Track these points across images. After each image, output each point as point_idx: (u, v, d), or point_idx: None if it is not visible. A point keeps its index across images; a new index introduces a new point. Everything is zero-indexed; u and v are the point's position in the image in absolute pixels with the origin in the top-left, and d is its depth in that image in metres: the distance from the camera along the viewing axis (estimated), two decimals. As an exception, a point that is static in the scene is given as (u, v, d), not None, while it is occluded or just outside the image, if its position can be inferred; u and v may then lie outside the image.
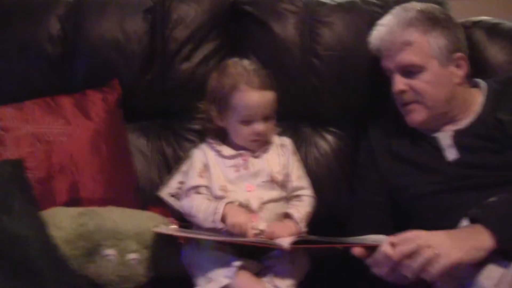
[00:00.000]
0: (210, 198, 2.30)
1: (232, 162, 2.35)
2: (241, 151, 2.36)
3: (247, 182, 2.32)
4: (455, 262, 1.84)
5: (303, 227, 2.26)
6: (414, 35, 2.33)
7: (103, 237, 2.17)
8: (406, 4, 2.48)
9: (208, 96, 2.40)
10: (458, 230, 1.98)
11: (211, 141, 2.41)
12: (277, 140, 2.45)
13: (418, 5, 2.43)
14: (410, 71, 2.33)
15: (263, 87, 2.30)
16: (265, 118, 2.32)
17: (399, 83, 2.35)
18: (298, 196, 2.37)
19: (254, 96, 2.29)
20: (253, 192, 2.30)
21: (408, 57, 2.33)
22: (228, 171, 2.34)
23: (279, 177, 2.35)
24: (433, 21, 2.35)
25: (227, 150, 2.37)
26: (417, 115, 2.35)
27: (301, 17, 2.72)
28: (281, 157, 2.40)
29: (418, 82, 2.32)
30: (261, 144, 2.37)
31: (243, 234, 2.11)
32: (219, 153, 2.38)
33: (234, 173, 2.33)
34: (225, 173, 2.34)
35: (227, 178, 2.33)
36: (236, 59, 2.43)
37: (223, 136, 2.42)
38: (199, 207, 2.26)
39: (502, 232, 1.89)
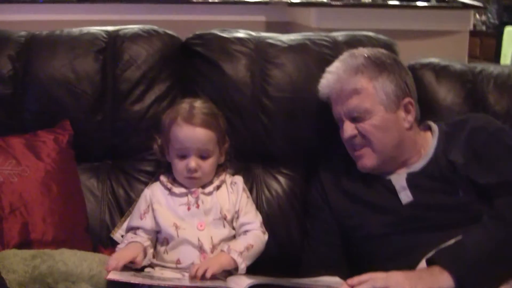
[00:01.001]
0: (144, 240, 2.33)
1: (183, 200, 2.37)
2: (191, 189, 2.38)
3: (199, 220, 2.33)
4: None
5: (238, 259, 2.24)
6: (361, 82, 2.36)
7: (56, 280, 2.13)
8: (354, 50, 2.52)
9: (160, 130, 2.45)
10: (416, 271, 2.01)
11: (162, 179, 2.43)
12: (228, 178, 2.47)
13: (366, 51, 2.47)
14: (358, 116, 2.35)
15: (199, 124, 2.34)
16: (200, 156, 2.35)
17: (348, 129, 2.36)
18: (245, 232, 2.38)
19: (187, 131, 2.34)
20: (204, 231, 2.31)
21: (356, 104, 2.35)
22: (179, 209, 2.36)
23: (229, 215, 2.37)
24: (380, 67, 2.39)
25: (178, 188, 2.39)
26: (366, 160, 2.37)
27: (252, 58, 2.73)
28: (231, 195, 2.42)
29: (365, 126, 2.34)
30: (197, 183, 2.39)
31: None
32: (169, 191, 2.39)
33: (185, 211, 2.35)
34: (176, 211, 2.35)
35: (178, 216, 2.34)
36: (191, 99, 2.47)
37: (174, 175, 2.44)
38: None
39: (460, 272, 1.92)
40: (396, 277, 1.95)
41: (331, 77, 2.44)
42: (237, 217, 2.39)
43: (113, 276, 2.10)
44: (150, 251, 2.31)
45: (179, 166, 2.36)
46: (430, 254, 2.04)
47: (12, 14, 5.68)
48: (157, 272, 2.28)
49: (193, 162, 2.33)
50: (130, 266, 2.22)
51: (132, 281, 2.09)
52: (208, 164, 2.37)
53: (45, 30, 2.79)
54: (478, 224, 2.13)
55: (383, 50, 2.53)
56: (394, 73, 2.39)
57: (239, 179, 2.50)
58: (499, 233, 2.05)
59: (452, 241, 2.08)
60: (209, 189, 2.40)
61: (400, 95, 2.37)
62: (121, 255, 2.22)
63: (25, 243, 2.33)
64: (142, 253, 2.27)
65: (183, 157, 2.35)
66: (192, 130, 2.33)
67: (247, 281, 2.06)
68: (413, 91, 2.46)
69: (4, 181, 2.38)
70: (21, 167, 2.43)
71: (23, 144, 2.49)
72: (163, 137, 2.44)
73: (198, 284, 2.10)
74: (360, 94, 2.35)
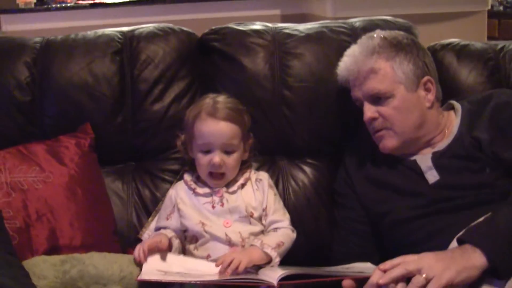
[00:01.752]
0: (168, 232, 2.33)
1: (207, 199, 2.36)
2: (215, 188, 2.37)
3: (224, 218, 2.33)
4: (447, 283, 1.84)
5: (272, 254, 2.22)
6: (378, 63, 2.35)
7: (87, 283, 2.14)
8: (371, 32, 2.50)
9: (183, 127, 2.44)
10: (448, 251, 1.97)
11: (186, 178, 2.43)
12: (253, 175, 2.46)
13: (382, 33, 2.46)
14: (378, 98, 2.34)
15: (222, 117, 2.33)
16: (225, 151, 2.34)
17: (368, 111, 2.35)
18: (275, 229, 2.36)
19: (211, 125, 2.32)
20: (231, 228, 2.30)
21: (374, 85, 2.34)
22: (203, 208, 2.35)
23: (256, 213, 2.35)
24: (397, 47, 2.37)
25: (201, 189, 2.39)
26: (388, 142, 2.36)
27: (270, 50, 2.72)
28: (256, 192, 2.41)
29: (386, 109, 2.33)
30: (222, 182, 2.38)
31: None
32: (194, 191, 2.38)
33: (210, 209, 2.34)
34: (200, 210, 2.34)
35: (203, 215, 2.33)
36: (215, 94, 2.46)
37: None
38: None
39: (491, 249, 1.89)
40: (428, 259, 1.92)
41: (348, 60, 2.44)
42: (265, 215, 2.38)
43: (144, 276, 2.10)
44: (176, 241, 2.30)
45: (203, 161, 2.35)
46: (460, 234, 2.00)
47: (26, 24, 5.71)
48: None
49: (217, 157, 2.32)
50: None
51: (163, 280, 2.08)
52: (232, 159, 2.36)
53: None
54: (507, 200, 2.10)
55: (400, 32, 2.51)
56: (412, 53, 2.38)
57: (264, 176, 2.48)
58: None
59: (481, 219, 2.04)
60: (233, 188, 2.39)
61: (419, 74, 2.36)
62: (145, 243, 2.23)
63: (54, 249, 2.33)
64: (166, 238, 2.27)
65: (207, 152, 2.34)
66: (216, 124, 2.32)
67: (280, 272, 2.04)
68: (433, 71, 2.44)
69: (29, 188, 2.38)
70: (45, 173, 2.43)
71: (45, 150, 2.49)
72: (187, 133, 2.43)
73: (230, 277, 2.08)
74: (378, 74, 2.34)
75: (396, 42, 2.39)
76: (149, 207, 2.62)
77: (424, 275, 1.86)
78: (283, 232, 2.35)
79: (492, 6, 7.52)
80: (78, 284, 2.13)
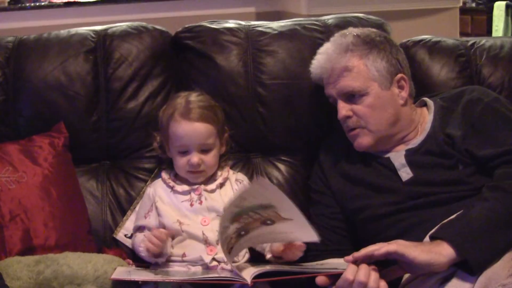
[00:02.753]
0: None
1: (185, 197, 2.36)
2: (193, 186, 2.37)
3: (202, 216, 2.33)
4: (411, 256, 1.89)
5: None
6: (351, 60, 2.36)
7: (61, 284, 2.13)
8: (344, 30, 2.51)
9: (159, 127, 2.45)
10: (419, 242, 2.00)
11: (164, 176, 2.43)
12: (232, 175, 2.47)
13: (355, 30, 2.47)
14: (352, 96, 2.35)
15: (196, 118, 2.33)
16: (202, 150, 2.34)
17: (343, 109, 2.36)
18: None
19: (185, 126, 2.33)
20: (209, 226, 2.30)
21: (348, 82, 2.35)
22: (182, 206, 2.35)
23: None
24: (370, 44, 2.39)
25: (180, 186, 2.38)
26: (362, 140, 2.37)
27: (243, 48, 2.72)
28: (236, 192, 2.39)
29: (360, 107, 2.34)
30: (201, 177, 2.38)
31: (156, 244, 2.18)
32: (172, 189, 2.38)
33: (188, 207, 2.34)
34: (179, 208, 2.34)
35: (182, 213, 2.33)
36: (186, 92, 2.46)
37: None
38: (139, 243, 2.30)
39: (461, 244, 1.92)
40: (400, 241, 1.97)
41: (322, 58, 2.44)
42: None
43: (117, 275, 2.10)
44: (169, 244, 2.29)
45: (181, 162, 2.35)
46: (433, 230, 2.03)
47: (0, 23, 5.67)
48: (162, 267, 2.26)
49: (195, 157, 2.32)
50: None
51: (137, 279, 2.08)
52: (211, 157, 2.37)
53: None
54: (478, 196, 2.13)
55: (373, 29, 2.53)
56: (385, 50, 2.39)
57: (244, 177, 2.51)
58: (499, 203, 2.04)
59: (453, 216, 2.07)
60: (211, 186, 2.39)
61: (392, 72, 2.38)
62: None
63: (28, 250, 2.32)
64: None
65: (185, 153, 2.34)
66: (190, 126, 2.32)
67: (253, 269, 2.05)
68: (406, 68, 2.46)
69: (2, 189, 2.37)
70: (18, 173, 2.42)
71: (18, 150, 2.48)
72: (162, 134, 2.43)
73: (202, 277, 2.09)
74: (351, 72, 2.35)
75: (369, 39, 2.40)
76: (124, 206, 2.61)
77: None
78: None
79: (464, 3, 7.58)
80: (53, 284, 2.11)
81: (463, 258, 1.90)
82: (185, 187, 2.38)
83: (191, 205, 2.34)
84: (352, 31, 2.47)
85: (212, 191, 2.39)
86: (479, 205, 2.05)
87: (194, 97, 2.41)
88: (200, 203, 2.34)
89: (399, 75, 2.39)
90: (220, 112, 2.45)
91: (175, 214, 2.33)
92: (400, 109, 2.38)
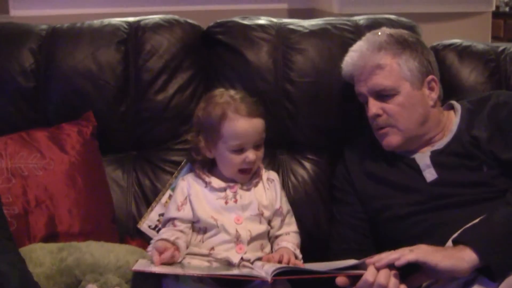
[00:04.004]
0: (184, 230, 2.31)
1: (221, 194, 2.36)
2: (230, 183, 2.37)
3: (235, 214, 2.32)
4: (433, 263, 1.89)
5: (299, 255, 2.32)
6: (384, 59, 2.36)
7: (83, 272, 2.13)
8: (377, 30, 2.51)
9: (195, 127, 2.42)
10: (442, 247, 2.00)
11: (199, 171, 2.41)
12: (264, 174, 2.46)
13: (388, 30, 2.48)
14: (383, 94, 2.35)
15: (251, 114, 2.31)
16: (256, 146, 2.34)
17: (373, 107, 2.37)
18: (287, 233, 2.40)
19: (244, 124, 2.30)
20: (242, 224, 2.30)
21: (380, 80, 2.35)
22: (216, 202, 2.34)
23: (266, 212, 2.36)
24: (403, 44, 2.39)
25: (216, 182, 2.37)
26: (391, 139, 2.37)
27: (273, 44, 2.73)
28: (267, 192, 2.41)
29: (391, 106, 2.34)
30: (250, 175, 2.38)
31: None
32: (208, 184, 2.37)
33: (222, 205, 2.33)
34: (213, 204, 2.33)
35: (215, 209, 2.32)
36: (222, 89, 2.47)
37: (209, 167, 2.42)
38: (153, 243, 2.31)
39: (484, 249, 1.92)
40: (421, 246, 1.97)
41: (355, 55, 2.45)
42: (279, 216, 2.41)
43: (139, 267, 2.10)
44: (181, 242, 2.26)
45: (236, 160, 2.32)
46: (456, 235, 2.02)
47: (34, 9, 5.70)
48: (186, 259, 2.27)
49: (252, 154, 2.31)
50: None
51: (157, 271, 2.08)
52: (261, 153, 2.38)
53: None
54: (502, 200, 2.12)
55: (405, 30, 2.53)
56: (417, 51, 2.40)
57: (275, 176, 2.50)
58: None
59: (477, 220, 2.06)
60: (247, 185, 2.39)
61: (423, 72, 2.38)
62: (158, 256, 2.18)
63: (52, 236, 2.34)
64: (177, 253, 2.21)
65: (240, 151, 2.32)
66: (249, 122, 2.30)
67: (273, 267, 2.05)
68: (436, 70, 2.46)
69: (29, 175, 2.39)
70: (46, 160, 2.44)
71: (47, 137, 2.50)
72: (209, 134, 2.36)
73: (223, 273, 2.10)
74: (384, 70, 2.35)
75: (402, 39, 2.41)
76: (149, 197, 2.62)
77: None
78: (295, 235, 2.42)
79: (498, 7, 7.51)
80: (75, 272, 2.13)
81: (485, 263, 1.90)
82: (222, 184, 2.36)
83: (226, 203, 2.33)
84: (385, 30, 2.48)
85: (248, 189, 2.38)
86: (502, 210, 2.05)
87: (237, 94, 2.40)
88: (235, 201, 2.33)
89: (430, 77, 2.39)
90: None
91: (210, 210, 2.32)
92: (429, 110, 2.38)
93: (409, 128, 2.35)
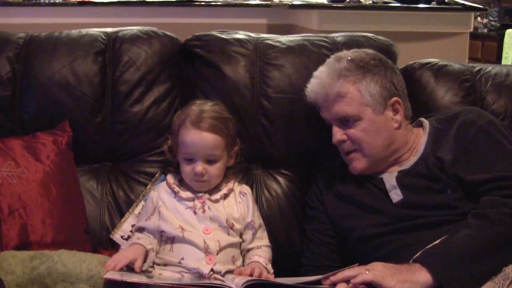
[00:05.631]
0: (151, 239, 2.33)
1: (189, 203, 2.37)
2: (198, 194, 2.38)
3: (204, 225, 2.33)
4: (387, 287, 1.95)
5: (271, 269, 2.34)
6: (345, 86, 2.37)
7: (54, 281, 2.12)
8: (339, 53, 2.54)
9: (171, 131, 2.47)
10: (397, 265, 2.03)
11: (169, 181, 2.44)
12: (237, 187, 2.48)
13: (349, 54, 2.49)
14: (346, 120, 2.37)
15: (206, 128, 2.33)
16: (207, 160, 2.34)
17: (337, 133, 2.39)
18: (258, 247, 2.41)
19: (194, 135, 2.33)
20: (210, 235, 2.31)
21: (341, 108, 2.37)
22: (185, 212, 2.36)
23: (236, 225, 2.38)
24: (364, 69, 2.40)
25: (184, 192, 2.39)
26: (357, 164, 2.40)
27: (251, 60, 2.74)
28: (239, 205, 2.43)
29: (354, 132, 2.36)
30: (205, 186, 2.39)
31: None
32: (176, 194, 2.39)
33: (191, 215, 2.35)
34: (182, 214, 2.35)
35: (184, 219, 2.34)
36: (203, 100, 2.50)
37: (181, 177, 2.44)
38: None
39: (437, 268, 1.96)
40: (377, 264, 2.03)
41: (316, 82, 2.47)
42: (250, 229, 2.42)
43: (110, 275, 2.10)
44: (152, 254, 2.29)
45: (186, 169, 2.36)
46: (417, 254, 2.05)
47: (13, 17, 5.69)
48: (156, 271, 2.28)
49: (199, 166, 2.33)
50: (130, 267, 2.22)
51: (128, 280, 2.08)
52: (215, 168, 2.37)
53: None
54: (462, 222, 2.15)
55: (369, 51, 2.54)
56: (379, 74, 2.41)
57: (248, 190, 2.52)
58: (482, 232, 2.07)
59: (437, 241, 2.10)
60: (215, 196, 2.40)
61: (386, 96, 2.39)
62: (121, 256, 2.20)
63: (24, 245, 2.34)
64: (142, 256, 2.25)
65: (190, 160, 2.35)
66: (199, 135, 2.33)
67: (244, 279, 2.06)
68: (402, 90, 2.47)
69: (2, 183, 2.39)
70: (20, 168, 2.44)
71: (22, 146, 2.50)
72: (173, 138, 2.44)
73: (193, 282, 2.11)
74: (345, 98, 2.37)
75: (363, 64, 2.41)
76: (122, 208, 2.63)
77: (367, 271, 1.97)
78: (267, 249, 2.43)
79: (476, 28, 7.59)
80: (46, 280, 2.11)
81: (439, 285, 1.94)
82: (189, 194, 2.38)
83: (194, 212, 2.34)
84: (347, 54, 2.48)
85: (216, 201, 2.39)
86: (462, 232, 2.08)
87: (208, 106, 2.42)
88: (203, 211, 2.34)
89: (394, 99, 2.40)
90: (232, 125, 2.44)
91: (178, 220, 2.33)
92: (394, 133, 2.40)
93: (373, 153, 2.37)
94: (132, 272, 2.18)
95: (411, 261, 2.05)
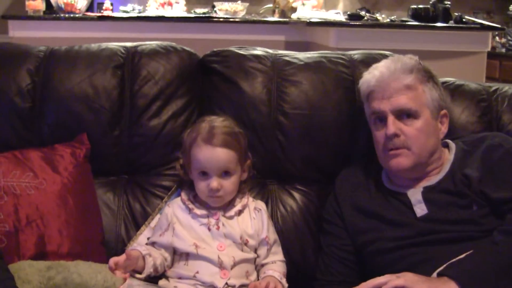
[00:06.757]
0: (163, 254, 2.35)
1: (203, 220, 2.38)
2: (212, 211, 2.39)
3: (218, 241, 2.34)
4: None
5: (285, 284, 2.35)
6: (415, 81, 2.39)
7: (70, 291, 2.15)
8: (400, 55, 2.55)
9: (182, 150, 2.47)
10: (425, 276, 2.04)
11: (184, 197, 2.44)
12: (251, 203, 2.49)
13: (416, 57, 2.50)
14: (404, 115, 2.37)
15: (218, 144, 2.34)
16: (222, 175, 2.35)
17: (393, 125, 2.36)
18: (273, 261, 2.42)
19: (207, 152, 2.34)
20: (224, 251, 2.32)
21: (406, 101, 2.36)
22: (199, 229, 2.36)
23: (251, 241, 2.38)
24: (429, 74, 2.44)
25: (199, 210, 2.40)
26: (402, 160, 2.37)
27: (268, 76, 2.75)
28: (254, 221, 2.43)
29: (410, 129, 2.35)
30: (221, 201, 2.39)
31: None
32: (191, 211, 2.40)
33: (205, 231, 2.36)
34: (196, 231, 2.36)
35: (198, 236, 2.35)
36: (213, 116, 2.49)
37: (195, 193, 2.45)
38: None
39: (465, 282, 1.95)
40: (408, 274, 2.03)
41: (384, 71, 2.44)
42: (265, 245, 2.43)
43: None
44: (149, 259, 2.29)
45: (201, 185, 2.37)
46: (441, 268, 2.05)
47: (34, 31, 5.75)
48: (171, 283, 2.29)
49: (215, 182, 2.34)
50: (139, 277, 2.24)
51: None
52: (230, 183, 2.38)
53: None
54: (488, 238, 2.16)
55: None
56: (437, 84, 2.45)
57: (263, 206, 2.52)
58: (508, 248, 2.07)
59: (462, 256, 2.09)
60: (230, 213, 2.41)
61: (440, 105, 2.43)
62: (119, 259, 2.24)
63: (41, 255, 2.36)
64: (140, 258, 2.28)
65: (205, 176, 2.36)
66: (211, 151, 2.34)
67: None
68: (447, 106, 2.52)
69: (21, 194, 2.41)
70: (38, 179, 2.46)
71: (40, 157, 2.52)
72: (184, 156, 2.45)
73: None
74: (412, 92, 2.37)
75: (428, 69, 2.46)
76: (138, 221, 2.63)
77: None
78: (281, 264, 2.44)
79: (494, 48, 7.57)
80: (62, 290, 2.15)
81: None
82: (204, 211, 2.39)
83: (209, 229, 2.35)
84: (414, 57, 2.50)
85: (230, 217, 2.40)
86: (488, 248, 2.09)
87: (218, 122, 2.43)
88: (217, 228, 2.36)
89: (444, 111, 2.45)
90: (243, 139, 2.46)
91: (192, 237, 2.34)
92: (439, 142, 2.42)
93: (422, 153, 2.36)
94: (148, 285, 2.19)
95: (435, 274, 2.05)
